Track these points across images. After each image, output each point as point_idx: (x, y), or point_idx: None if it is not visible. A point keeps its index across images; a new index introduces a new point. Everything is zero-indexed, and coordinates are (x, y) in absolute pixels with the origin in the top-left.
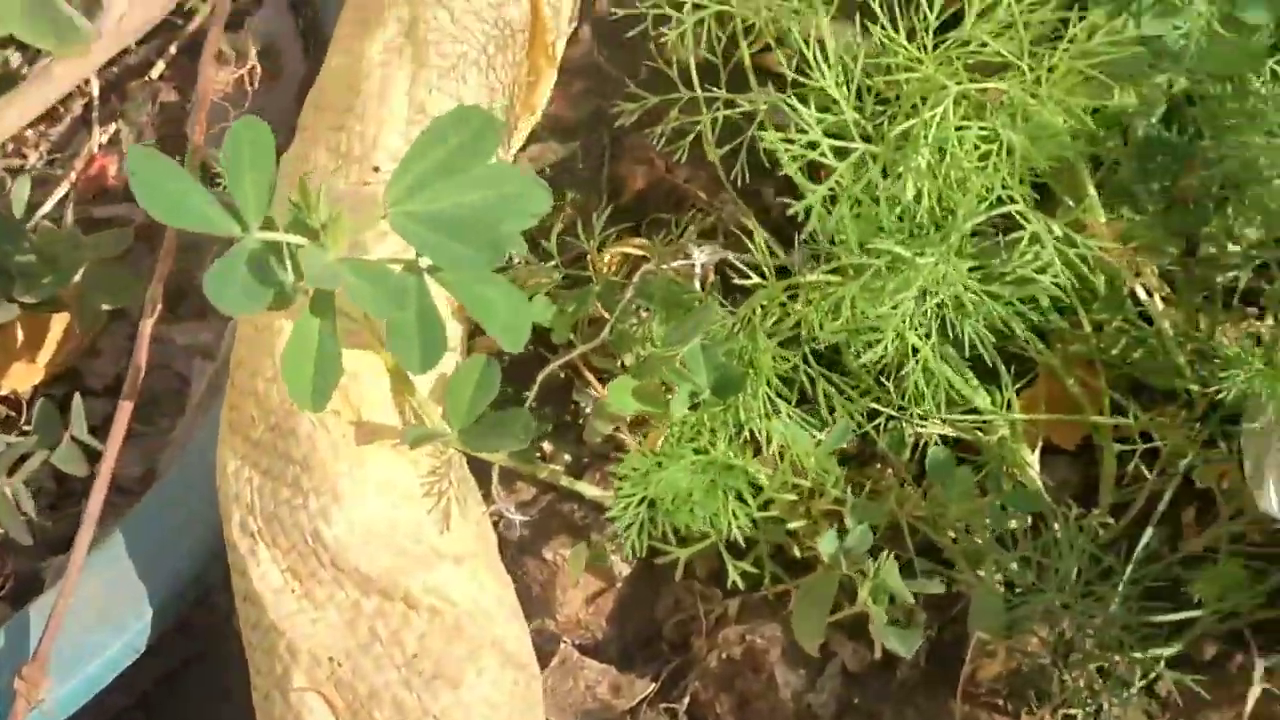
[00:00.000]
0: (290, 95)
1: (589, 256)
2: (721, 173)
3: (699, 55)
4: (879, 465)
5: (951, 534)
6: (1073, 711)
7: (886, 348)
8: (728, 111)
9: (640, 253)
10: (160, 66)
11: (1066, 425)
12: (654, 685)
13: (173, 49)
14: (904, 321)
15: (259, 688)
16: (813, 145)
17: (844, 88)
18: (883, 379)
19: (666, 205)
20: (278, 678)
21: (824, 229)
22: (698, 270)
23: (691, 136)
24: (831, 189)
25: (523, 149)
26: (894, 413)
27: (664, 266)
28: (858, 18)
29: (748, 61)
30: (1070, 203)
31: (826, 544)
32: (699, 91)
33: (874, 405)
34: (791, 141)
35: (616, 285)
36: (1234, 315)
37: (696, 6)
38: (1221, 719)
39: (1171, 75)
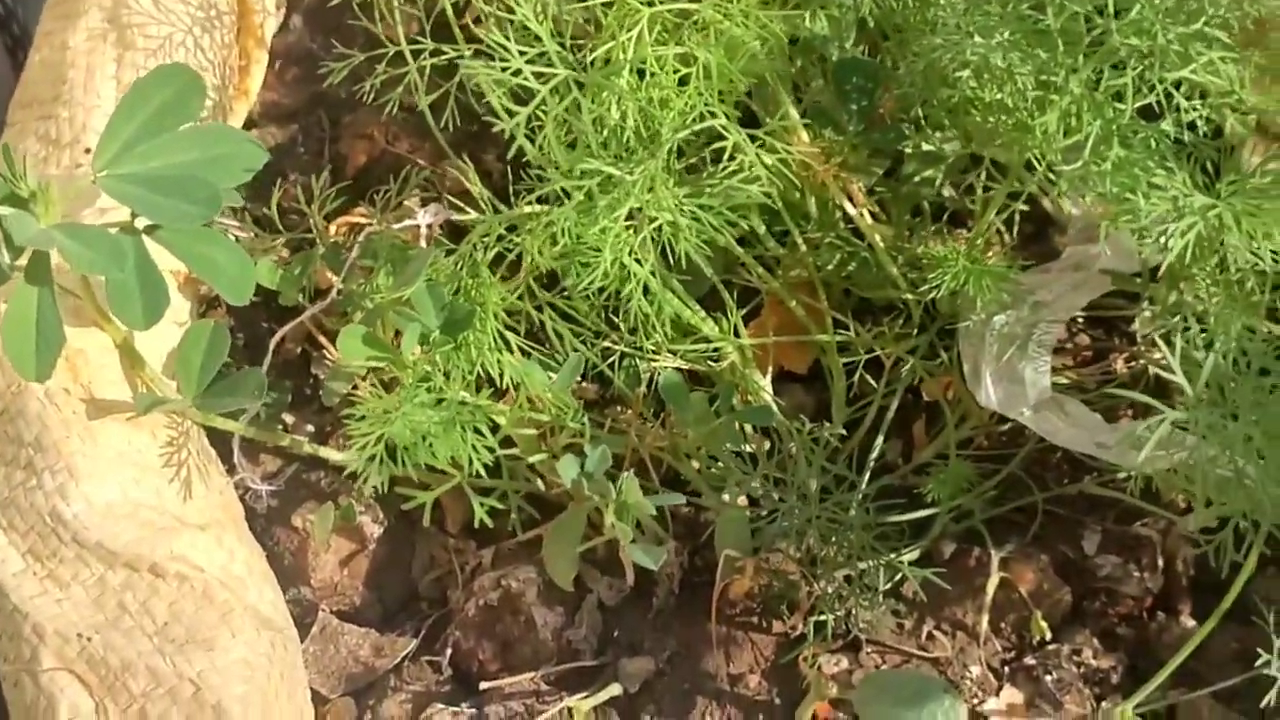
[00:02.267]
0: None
1: (315, 227)
2: (442, 140)
3: (411, 28)
4: (619, 407)
5: (695, 463)
6: (823, 618)
7: (605, 272)
8: (434, 60)
9: (365, 220)
10: None
11: (796, 350)
12: (415, 641)
13: None
14: (620, 245)
15: (7, 675)
16: (516, 73)
17: (546, 23)
18: (613, 317)
19: (390, 177)
20: (26, 661)
21: (537, 159)
22: (423, 230)
23: (400, 88)
24: (538, 114)
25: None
26: (628, 349)
27: (389, 228)
28: None
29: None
30: (777, 126)
31: (566, 468)
32: (404, 45)
33: (607, 344)
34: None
35: (341, 247)
36: (941, 228)
37: None
38: (964, 610)
39: None
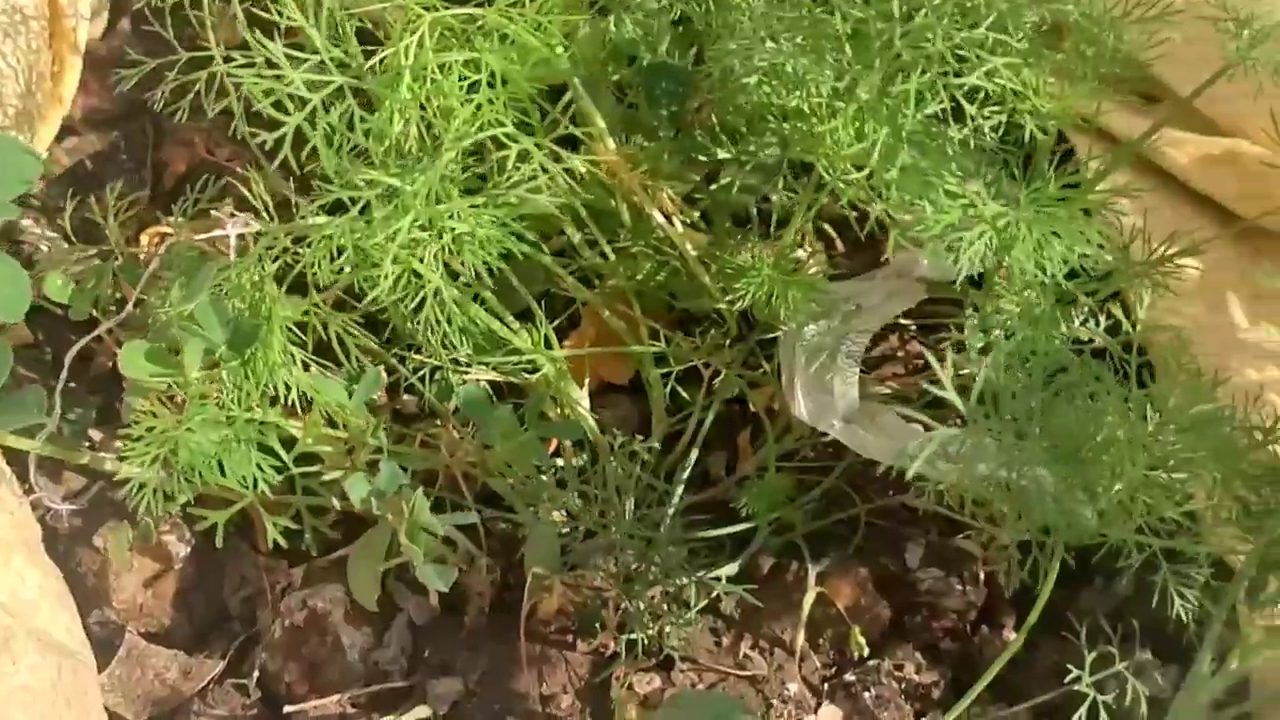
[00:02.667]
0: None
1: (113, 239)
2: (256, 149)
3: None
4: (438, 421)
5: (509, 480)
6: (635, 636)
7: (394, 285)
8: (228, 68)
9: (173, 230)
10: None
11: (618, 361)
12: (223, 663)
13: None
14: (405, 257)
15: None
16: (289, 82)
17: (333, 28)
18: (428, 333)
19: (210, 186)
20: None
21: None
22: (232, 241)
23: (190, 96)
24: (311, 122)
25: (58, 141)
26: (439, 363)
27: (195, 239)
28: None
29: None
30: (573, 134)
31: (355, 487)
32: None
33: (418, 358)
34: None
35: (140, 259)
36: (755, 238)
37: None
38: (782, 626)
39: None
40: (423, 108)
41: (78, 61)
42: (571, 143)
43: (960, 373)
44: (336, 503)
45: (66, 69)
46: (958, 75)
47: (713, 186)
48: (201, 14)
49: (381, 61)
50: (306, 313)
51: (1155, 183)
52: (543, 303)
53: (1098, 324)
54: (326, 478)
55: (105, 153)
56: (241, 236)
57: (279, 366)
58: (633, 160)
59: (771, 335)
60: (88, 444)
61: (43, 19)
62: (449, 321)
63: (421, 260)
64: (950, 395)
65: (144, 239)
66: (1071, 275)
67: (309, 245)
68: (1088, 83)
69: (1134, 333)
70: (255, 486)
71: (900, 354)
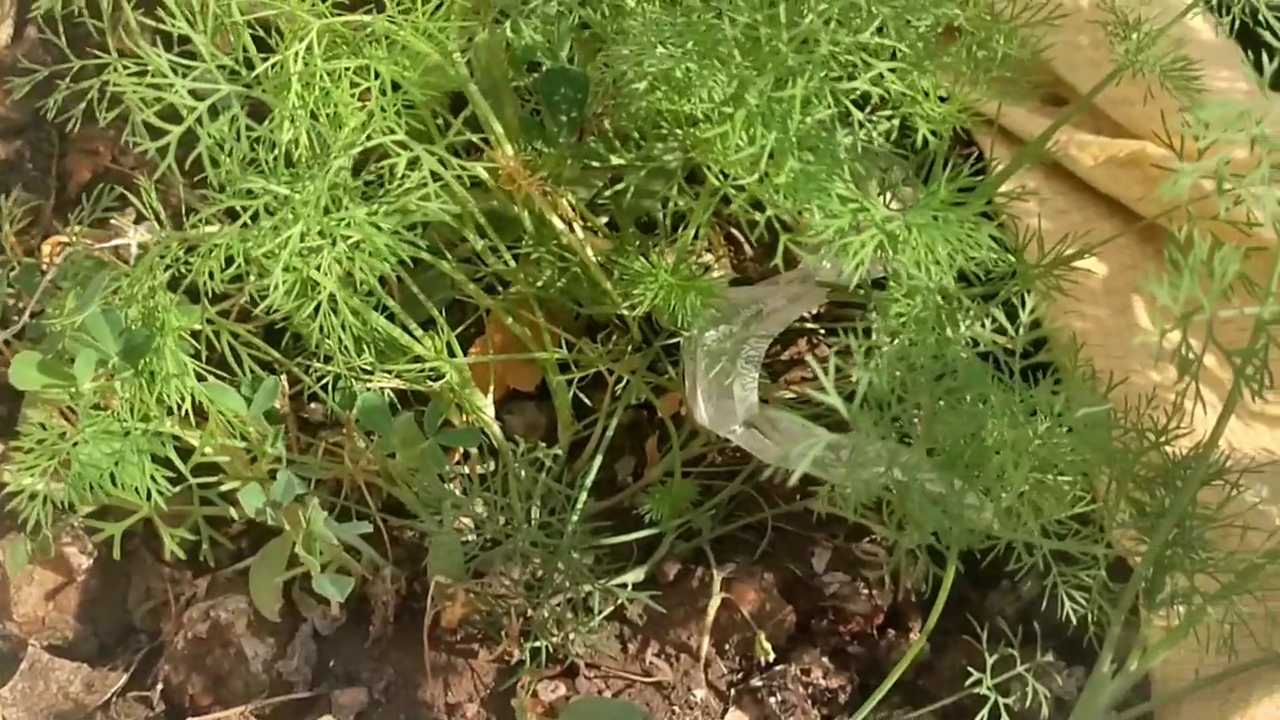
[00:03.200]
0: None
1: (5, 247)
2: (166, 157)
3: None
4: (344, 429)
5: (413, 488)
6: (539, 644)
7: (284, 291)
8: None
9: (72, 240)
10: None
11: (525, 368)
12: (126, 676)
13: None
14: (304, 263)
15: None
16: (169, 89)
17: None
18: (327, 341)
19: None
20: None
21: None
22: (133, 250)
23: (85, 105)
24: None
25: None
26: (341, 370)
27: (95, 248)
28: None
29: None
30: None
31: (249, 497)
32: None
33: (318, 366)
34: (157, 88)
35: (36, 269)
36: (667, 240)
37: None
38: (688, 632)
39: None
40: (314, 116)
41: None
42: (473, 150)
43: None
44: (234, 513)
45: None
46: (850, 79)
47: (610, 192)
48: (101, 23)
49: (271, 69)
50: (209, 321)
51: (1066, 186)
52: (447, 310)
53: (993, 326)
54: (227, 487)
55: (10, 161)
56: (143, 246)
57: (173, 376)
58: (532, 167)
59: (675, 340)
60: None
61: None
62: (345, 329)
63: (317, 268)
64: (834, 400)
65: (45, 248)
66: (971, 278)
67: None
68: (983, 85)
69: (1018, 336)
70: (149, 498)
71: (808, 358)
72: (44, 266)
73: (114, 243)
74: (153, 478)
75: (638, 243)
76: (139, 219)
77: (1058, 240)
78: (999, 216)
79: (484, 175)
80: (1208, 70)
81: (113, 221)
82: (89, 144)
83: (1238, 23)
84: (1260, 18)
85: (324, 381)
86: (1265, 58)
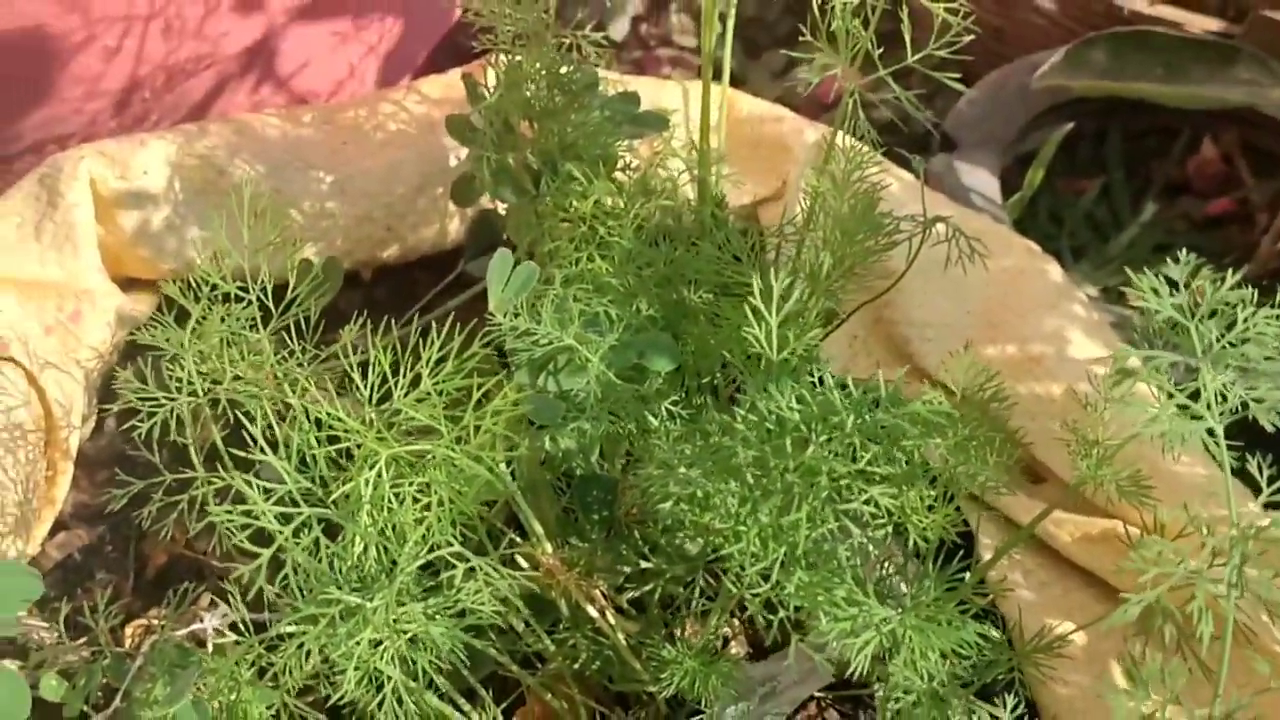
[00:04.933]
0: None
1: (100, 631)
2: (231, 544)
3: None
4: None
5: None
6: None
7: (352, 685)
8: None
9: (157, 623)
10: None
11: None
12: None
13: None
14: (368, 659)
15: None
16: (261, 515)
17: (305, 461)
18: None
19: (189, 576)
20: None
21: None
22: (209, 634)
23: (176, 514)
24: (278, 552)
25: (50, 537)
26: None
27: (176, 633)
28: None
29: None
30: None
31: None
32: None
33: None
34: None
35: (126, 656)
36: (689, 615)
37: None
38: None
39: (584, 422)
40: (381, 532)
41: (69, 466)
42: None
43: None
44: None
45: (59, 474)
46: (847, 500)
47: (641, 591)
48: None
49: (344, 488)
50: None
51: (1047, 559)
52: (490, 683)
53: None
54: None
55: (93, 545)
56: (218, 630)
57: None
58: (569, 562)
59: (699, 714)
60: None
61: (39, 431)
62: (400, 706)
63: (382, 659)
64: None
65: (128, 631)
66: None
67: (281, 649)
68: (971, 481)
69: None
70: None
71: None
72: (129, 649)
73: (193, 627)
74: None
75: (664, 622)
76: (213, 603)
77: (1041, 611)
78: (990, 595)
79: (525, 565)
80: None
81: (192, 607)
82: (165, 531)
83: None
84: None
85: None
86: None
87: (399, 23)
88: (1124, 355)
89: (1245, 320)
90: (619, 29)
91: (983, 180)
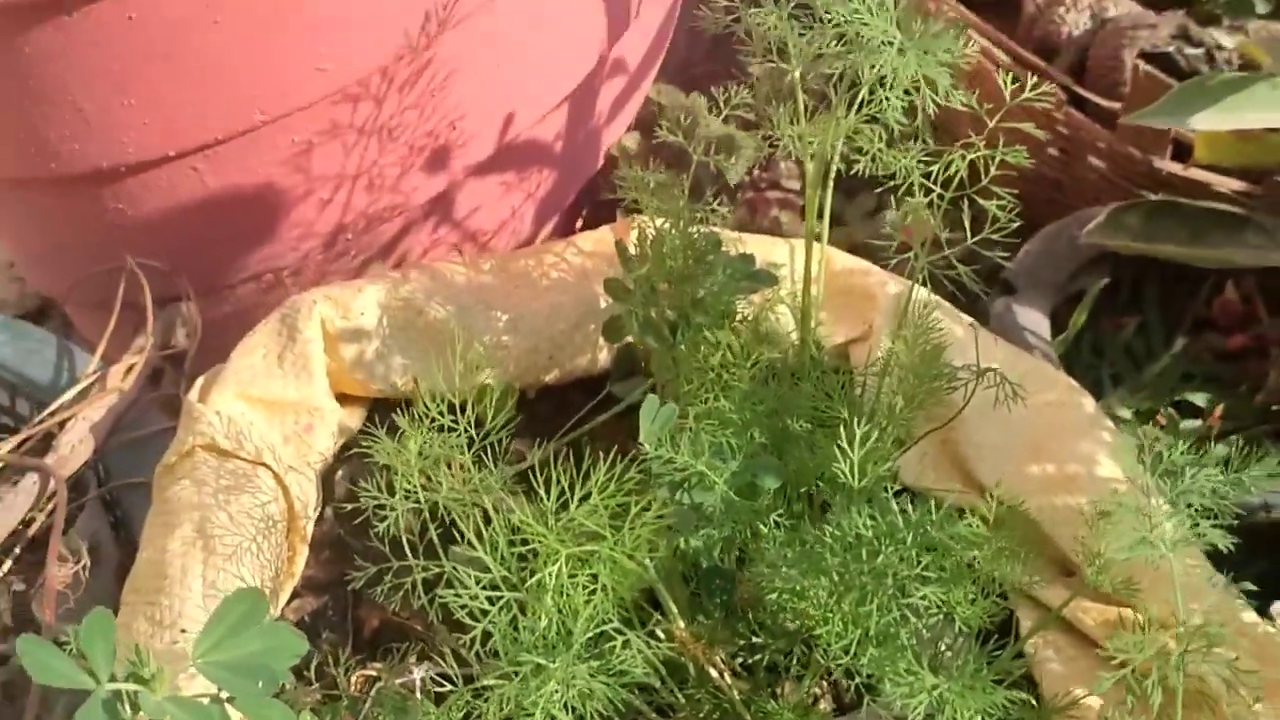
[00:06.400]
0: (110, 575)
1: (340, 680)
2: (434, 614)
3: (409, 529)
4: None
5: None
6: None
7: None
8: (423, 575)
9: (376, 674)
10: (8, 564)
11: None
12: None
13: (17, 549)
14: (548, 706)
15: None
16: (474, 596)
17: (495, 554)
18: None
19: (397, 638)
20: None
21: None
22: (417, 683)
23: (402, 591)
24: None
25: (289, 604)
26: None
27: (394, 682)
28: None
29: (434, 537)
30: (664, 617)
31: None
32: (407, 559)
33: None
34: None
35: (359, 700)
36: (791, 683)
37: (406, 495)
38: None
39: (711, 528)
40: (559, 610)
41: (304, 549)
42: (657, 617)
43: None
44: None
45: (297, 555)
46: (906, 595)
47: (746, 656)
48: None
49: (534, 578)
50: None
51: (1075, 639)
52: None
53: None
54: None
55: (319, 610)
56: (424, 680)
57: None
58: (697, 635)
59: None
60: None
61: (284, 521)
62: None
63: (558, 707)
64: None
65: (353, 680)
66: None
67: (485, 699)
68: (1006, 581)
69: None
70: None
71: None
72: (358, 694)
73: (406, 678)
74: None
75: (768, 684)
76: (420, 659)
77: (1068, 680)
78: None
79: (663, 637)
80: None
81: (403, 663)
82: (375, 601)
83: None
84: None
85: None
86: None
87: (554, 173)
88: (1108, 500)
89: (1191, 478)
90: (735, 173)
91: (1035, 320)
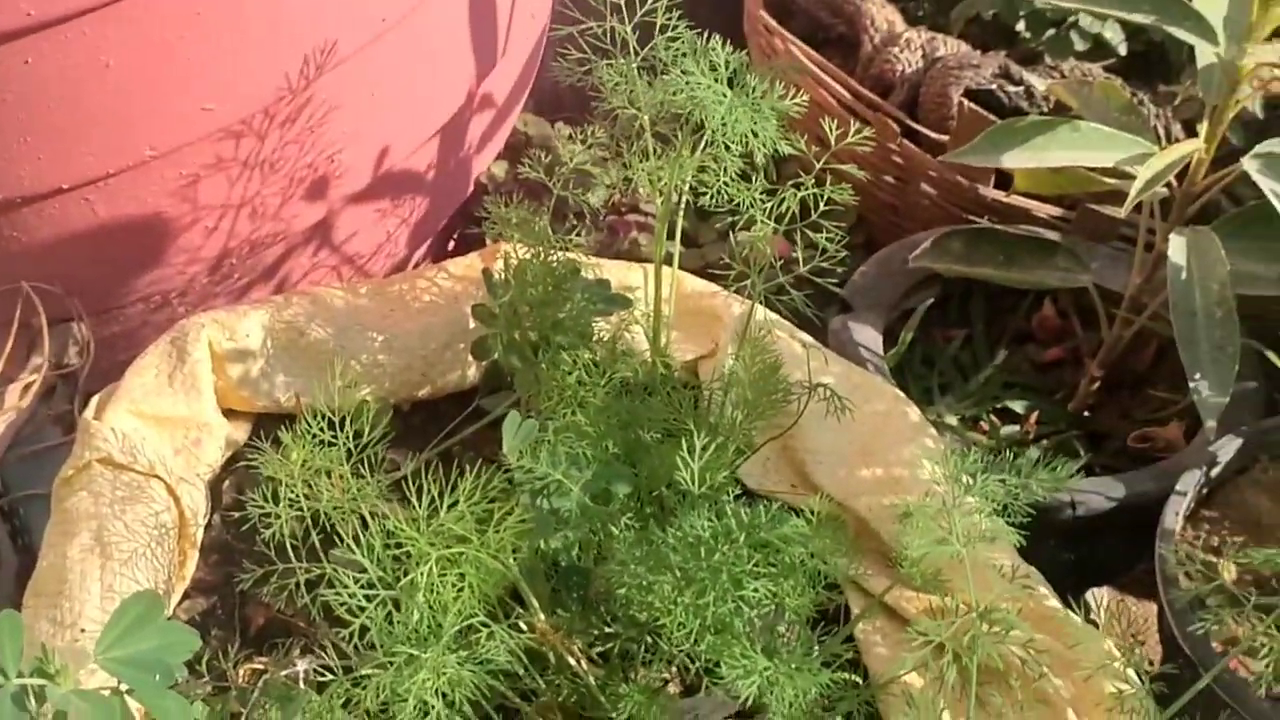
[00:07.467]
0: (10, 580)
1: (230, 673)
2: (316, 611)
3: (292, 534)
4: None
5: None
6: None
7: (409, 711)
8: (306, 576)
9: (262, 667)
10: None
11: None
12: None
13: None
14: (420, 693)
15: None
16: (353, 595)
17: (372, 556)
18: None
19: (281, 633)
20: None
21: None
22: (301, 675)
23: (287, 591)
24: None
25: (181, 604)
26: None
27: (279, 674)
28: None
29: (315, 541)
30: (526, 610)
31: None
32: (291, 562)
33: None
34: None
35: (247, 691)
36: (643, 662)
37: (290, 503)
38: None
39: (568, 530)
40: (430, 606)
41: (195, 553)
42: (519, 610)
43: None
44: None
45: (189, 559)
46: (740, 588)
47: (601, 644)
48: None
49: (408, 578)
50: None
51: (900, 625)
52: (501, 711)
53: None
54: None
55: (208, 609)
56: (307, 672)
57: None
58: (556, 627)
59: None
60: None
61: (176, 528)
62: None
63: (429, 693)
64: None
65: (240, 673)
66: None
67: (363, 688)
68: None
69: None
70: None
71: None
72: (245, 685)
73: (291, 670)
74: None
75: (621, 669)
76: (303, 652)
77: (894, 663)
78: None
79: (525, 629)
80: None
81: (287, 656)
82: (261, 600)
83: None
84: None
85: None
86: None
87: (427, 200)
88: (912, 506)
89: (980, 482)
90: (597, 197)
91: (869, 336)
